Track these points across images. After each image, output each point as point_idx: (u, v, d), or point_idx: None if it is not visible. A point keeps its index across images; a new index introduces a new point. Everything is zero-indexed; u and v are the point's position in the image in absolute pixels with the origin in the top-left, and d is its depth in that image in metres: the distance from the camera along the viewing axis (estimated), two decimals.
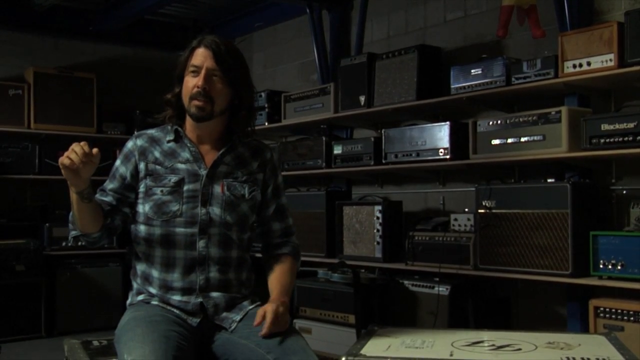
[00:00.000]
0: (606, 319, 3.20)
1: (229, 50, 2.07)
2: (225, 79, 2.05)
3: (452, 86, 3.96)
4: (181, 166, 2.08)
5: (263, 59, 6.09)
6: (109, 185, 2.12)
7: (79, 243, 2.10)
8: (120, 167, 2.13)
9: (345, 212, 4.39)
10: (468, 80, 3.88)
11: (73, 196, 1.93)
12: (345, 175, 4.88)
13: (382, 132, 4.30)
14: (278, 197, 2.23)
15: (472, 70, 3.86)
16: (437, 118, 4.26)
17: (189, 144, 2.11)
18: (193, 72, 2.05)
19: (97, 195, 2.09)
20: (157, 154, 2.11)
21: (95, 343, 2.33)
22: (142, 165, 2.09)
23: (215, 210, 2.06)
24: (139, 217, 2.10)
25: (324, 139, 4.73)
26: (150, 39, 6.30)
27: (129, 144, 2.15)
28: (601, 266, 3.23)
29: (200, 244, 2.04)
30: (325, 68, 5.07)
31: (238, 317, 2.04)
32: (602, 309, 3.23)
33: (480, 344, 2.01)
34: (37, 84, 5.51)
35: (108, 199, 2.10)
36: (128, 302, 2.13)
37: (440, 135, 3.92)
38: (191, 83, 2.05)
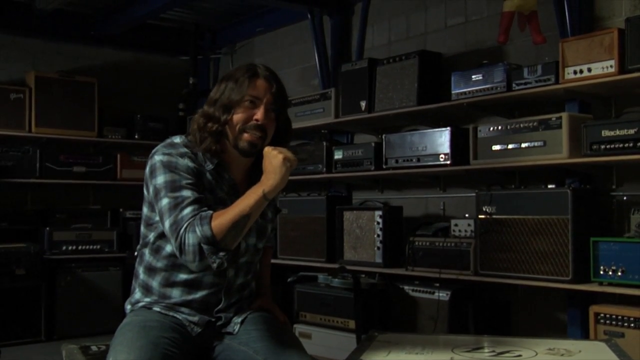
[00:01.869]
0: (606, 325, 3.20)
1: (283, 86, 2.02)
2: (278, 116, 2.00)
3: (453, 92, 3.97)
4: (225, 197, 1.97)
5: (264, 64, 6.08)
6: (193, 194, 1.85)
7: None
8: (197, 181, 1.89)
9: (346, 217, 4.39)
10: (469, 85, 3.88)
11: (259, 202, 1.78)
12: (346, 180, 4.88)
13: (383, 137, 4.30)
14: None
15: (473, 76, 3.86)
16: (438, 123, 4.26)
17: (227, 176, 2.01)
18: (251, 102, 1.94)
19: (193, 209, 1.82)
20: (205, 181, 1.95)
21: (94, 348, 2.32)
22: (201, 188, 1.91)
23: (252, 240, 2.05)
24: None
25: (324, 143, 4.73)
26: (152, 43, 6.31)
27: (184, 162, 1.90)
28: (601, 272, 3.22)
29: (230, 272, 2.02)
30: (326, 73, 5.08)
31: (240, 320, 2.05)
32: (602, 315, 3.23)
33: (481, 350, 2.01)
34: (38, 88, 5.52)
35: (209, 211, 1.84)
36: (128, 308, 2.09)
37: (441, 140, 3.92)
38: (247, 114, 1.94)
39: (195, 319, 2.00)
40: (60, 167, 5.62)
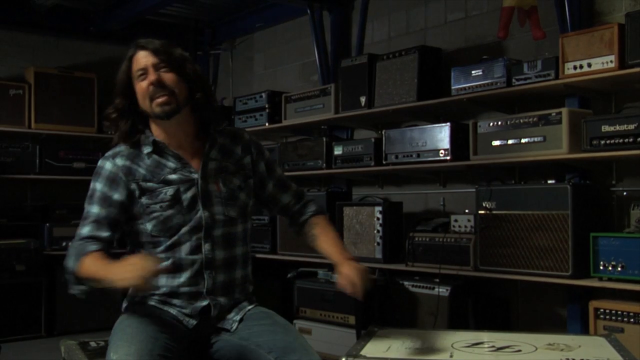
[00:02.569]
0: (606, 320, 3.20)
1: (164, 44, 2.08)
2: (172, 68, 2.04)
3: (453, 87, 3.96)
4: (172, 176, 2.04)
5: (263, 59, 6.09)
6: (101, 212, 2.01)
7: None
8: (111, 192, 2.02)
9: (346, 213, 4.39)
10: (469, 81, 3.88)
11: (107, 283, 1.81)
12: (346, 176, 4.87)
13: (383, 132, 4.30)
14: (273, 171, 2.23)
15: (473, 71, 3.86)
16: (438, 119, 4.26)
17: (170, 152, 2.06)
18: (141, 75, 2.03)
19: (89, 230, 1.99)
20: (142, 170, 2.04)
21: (93, 344, 2.32)
22: (133, 186, 2.02)
23: (218, 209, 2.05)
24: (141, 237, 2.05)
25: (324, 139, 4.73)
26: (151, 39, 6.29)
27: (108, 166, 2.05)
28: (601, 267, 3.22)
29: (206, 247, 2.03)
30: (326, 69, 5.07)
31: (238, 317, 2.04)
32: (602, 310, 3.23)
33: (480, 345, 2.01)
34: (37, 84, 5.52)
35: (105, 234, 2.00)
36: (124, 305, 2.11)
37: (441, 136, 3.92)
38: (144, 85, 2.03)
39: (188, 310, 2.01)
40: (60, 163, 5.62)
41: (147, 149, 2.07)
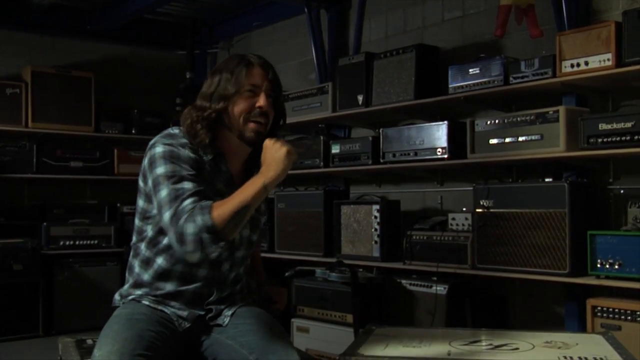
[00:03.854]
0: (604, 318, 3.20)
1: (275, 70, 2.04)
2: (276, 102, 2.01)
3: (450, 85, 3.97)
4: (222, 189, 1.96)
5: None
6: (184, 171, 1.85)
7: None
8: (183, 151, 1.89)
9: (343, 212, 4.39)
10: (466, 79, 3.88)
11: (260, 193, 1.77)
12: (343, 175, 4.87)
13: (380, 131, 4.30)
14: None
15: (470, 70, 3.86)
16: (435, 117, 4.26)
17: (224, 168, 2.01)
18: (250, 91, 1.95)
19: (189, 186, 1.82)
20: (204, 170, 1.95)
21: (89, 342, 2.34)
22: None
23: (245, 233, 2.06)
24: (161, 237, 1.97)
25: (322, 138, 4.73)
26: (149, 38, 6.30)
27: (179, 151, 1.89)
28: (599, 265, 3.23)
29: (225, 266, 2.04)
30: (324, 67, 5.07)
31: (230, 312, 2.04)
32: (599, 308, 3.24)
33: (478, 343, 2.01)
34: (34, 83, 5.51)
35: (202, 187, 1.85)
36: (117, 299, 2.10)
37: (438, 134, 3.92)
38: (249, 103, 1.95)
39: (185, 313, 2.00)
40: (57, 162, 5.61)
41: (207, 156, 1.97)
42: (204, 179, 1.91)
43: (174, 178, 1.84)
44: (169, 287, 2.00)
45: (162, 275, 2.01)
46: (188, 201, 1.79)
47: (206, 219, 1.74)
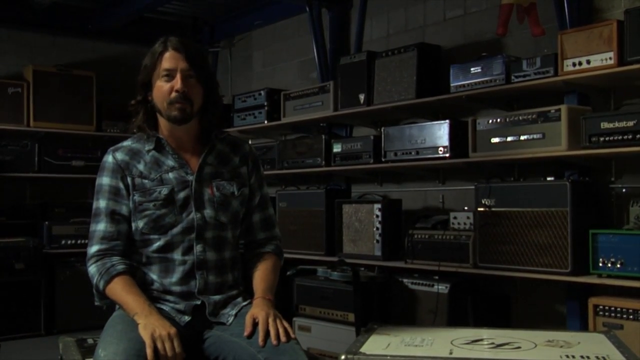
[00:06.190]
0: (605, 317, 3.20)
1: (196, 50, 2.08)
2: (199, 81, 2.05)
3: (452, 84, 3.96)
4: (168, 176, 2.06)
5: (262, 57, 6.09)
6: (114, 205, 2.05)
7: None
8: (112, 180, 2.06)
9: (345, 211, 4.39)
10: (468, 78, 3.88)
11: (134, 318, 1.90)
12: (345, 174, 4.87)
13: (382, 130, 4.30)
14: (261, 188, 2.23)
15: (472, 69, 3.86)
16: (437, 116, 4.26)
17: (170, 151, 2.09)
18: (166, 75, 2.02)
19: (106, 228, 2.03)
20: (140, 166, 2.07)
21: (90, 341, 2.34)
22: (129, 180, 2.05)
23: (209, 213, 2.06)
24: (132, 234, 2.06)
25: (323, 137, 4.73)
26: (150, 37, 6.17)
27: (109, 159, 2.09)
28: (600, 264, 3.23)
29: (198, 248, 2.04)
30: (325, 66, 5.06)
31: (234, 312, 2.05)
32: (601, 307, 3.24)
33: (480, 342, 2.01)
34: (36, 82, 5.51)
35: (124, 227, 2.04)
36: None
37: (440, 133, 3.92)
38: (166, 87, 2.02)
39: (181, 306, 2.02)
40: (59, 162, 5.62)
41: (149, 146, 2.10)
42: (127, 194, 2.05)
43: (95, 217, 2.06)
44: (156, 280, 2.04)
45: (146, 266, 2.06)
46: (94, 248, 2.03)
47: (102, 286, 1.99)
